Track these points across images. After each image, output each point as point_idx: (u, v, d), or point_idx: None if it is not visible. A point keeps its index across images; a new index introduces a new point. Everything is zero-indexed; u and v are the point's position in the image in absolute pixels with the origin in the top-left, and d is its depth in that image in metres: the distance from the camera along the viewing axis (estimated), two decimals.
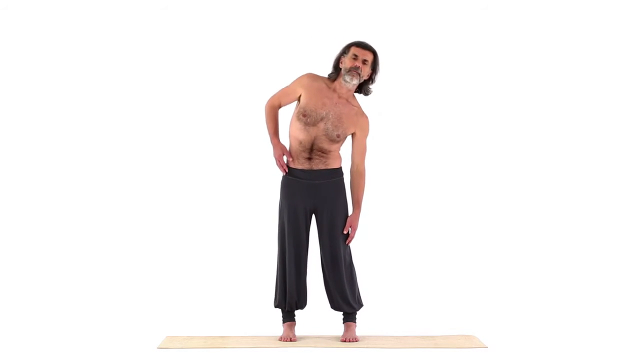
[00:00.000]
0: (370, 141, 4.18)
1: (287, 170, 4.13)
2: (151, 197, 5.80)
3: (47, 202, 5.76)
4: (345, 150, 4.20)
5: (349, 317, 4.19)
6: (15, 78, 5.75)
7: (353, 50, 4.06)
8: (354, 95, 4.16)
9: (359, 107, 4.15)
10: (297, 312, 4.23)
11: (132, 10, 5.75)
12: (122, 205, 5.79)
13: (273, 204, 4.23)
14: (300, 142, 4.08)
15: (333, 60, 4.12)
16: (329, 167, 4.12)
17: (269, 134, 4.18)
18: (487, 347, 4.01)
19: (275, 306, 4.23)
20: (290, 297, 4.16)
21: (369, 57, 4.07)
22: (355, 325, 4.19)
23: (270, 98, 4.19)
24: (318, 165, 4.10)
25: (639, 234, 5.76)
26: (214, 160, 5.75)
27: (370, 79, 4.12)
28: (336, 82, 4.11)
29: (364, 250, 4.38)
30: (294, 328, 4.19)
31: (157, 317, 4.63)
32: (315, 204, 4.13)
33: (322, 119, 4.05)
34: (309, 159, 4.09)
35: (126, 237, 5.70)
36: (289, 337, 4.12)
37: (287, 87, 4.16)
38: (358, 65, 4.04)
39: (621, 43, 5.84)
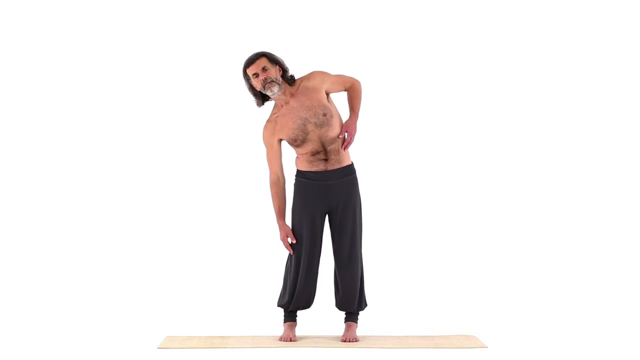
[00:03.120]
0: (371, 140, 4.17)
1: (293, 252, 4.14)
2: (151, 198, 5.80)
3: (47, 203, 5.77)
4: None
5: (351, 317, 4.19)
6: (15, 77, 5.75)
7: (248, 72, 4.06)
8: (289, 84, 4.10)
9: (301, 79, 4.12)
10: (298, 313, 4.22)
11: (133, 9, 5.75)
12: (122, 206, 5.79)
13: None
14: (311, 151, 4.09)
15: (248, 91, 4.12)
16: (343, 165, 4.11)
17: (275, 214, 4.17)
18: (487, 347, 4.00)
19: (279, 305, 4.22)
20: (297, 299, 4.16)
21: (263, 62, 4.04)
22: (357, 326, 4.19)
23: (269, 176, 4.17)
24: (334, 165, 4.09)
25: (639, 234, 5.76)
26: (213, 160, 5.75)
27: (283, 71, 4.09)
28: (273, 101, 4.11)
29: (365, 250, 4.37)
30: (294, 328, 4.19)
31: (157, 317, 4.63)
32: (330, 205, 4.13)
33: (305, 124, 4.05)
34: (326, 160, 4.09)
35: (126, 238, 5.71)
36: (289, 337, 4.11)
37: (267, 154, 4.15)
38: (263, 77, 4.03)
39: (622, 41, 5.84)
